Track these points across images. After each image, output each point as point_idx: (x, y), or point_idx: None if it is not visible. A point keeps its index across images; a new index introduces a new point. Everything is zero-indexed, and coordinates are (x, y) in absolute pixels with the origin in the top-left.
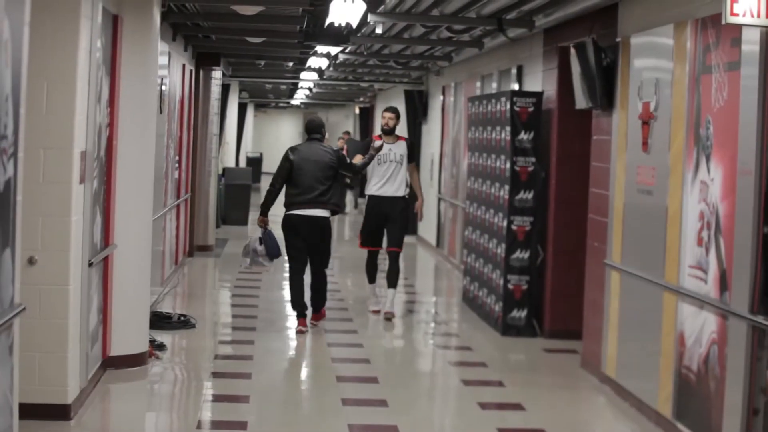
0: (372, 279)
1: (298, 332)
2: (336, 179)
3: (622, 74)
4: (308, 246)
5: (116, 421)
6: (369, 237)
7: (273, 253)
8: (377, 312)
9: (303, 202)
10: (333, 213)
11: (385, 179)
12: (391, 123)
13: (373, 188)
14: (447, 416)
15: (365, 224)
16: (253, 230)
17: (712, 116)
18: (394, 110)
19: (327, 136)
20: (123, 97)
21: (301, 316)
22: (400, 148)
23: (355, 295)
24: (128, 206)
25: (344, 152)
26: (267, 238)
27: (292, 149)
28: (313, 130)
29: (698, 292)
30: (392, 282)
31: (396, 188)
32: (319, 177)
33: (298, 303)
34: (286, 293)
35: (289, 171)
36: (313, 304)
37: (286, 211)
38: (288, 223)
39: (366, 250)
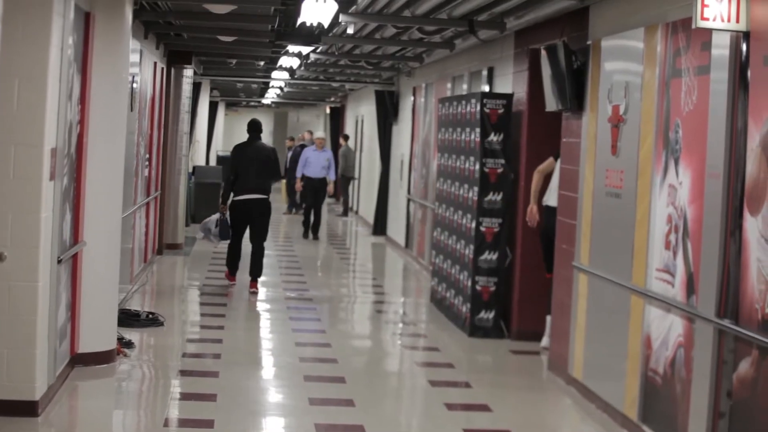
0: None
1: (231, 284)
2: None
3: (592, 77)
4: (250, 222)
5: (84, 418)
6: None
7: (224, 236)
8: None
9: (248, 189)
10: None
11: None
12: None
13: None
14: (413, 417)
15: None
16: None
17: (682, 120)
18: None
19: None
20: (94, 94)
21: (232, 273)
22: None
23: (324, 294)
24: (98, 203)
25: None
26: (222, 223)
27: (238, 147)
28: (255, 129)
29: (665, 295)
30: None
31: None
32: (261, 170)
33: (232, 262)
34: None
35: (237, 165)
36: (252, 273)
37: (234, 196)
38: (236, 205)
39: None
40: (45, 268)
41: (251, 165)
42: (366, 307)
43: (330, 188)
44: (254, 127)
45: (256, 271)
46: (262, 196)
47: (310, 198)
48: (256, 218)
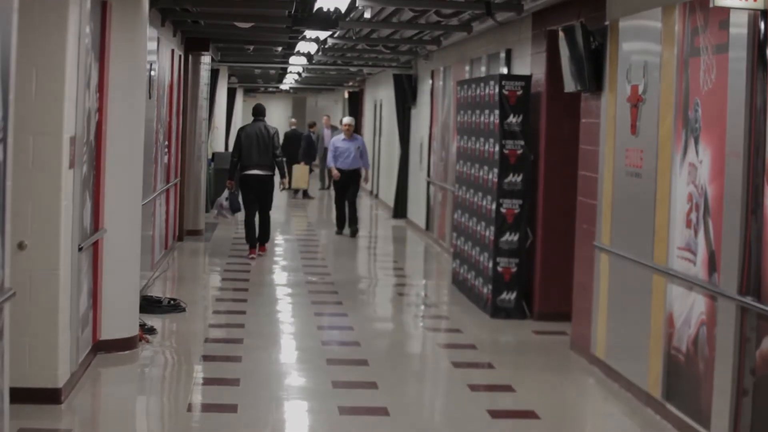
0: None
1: (250, 259)
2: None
3: (610, 57)
4: (256, 196)
5: (107, 404)
6: None
7: (235, 208)
8: None
9: (252, 165)
10: (281, 173)
11: None
12: None
13: None
14: (437, 398)
15: None
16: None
17: (701, 99)
18: None
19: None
20: (112, 82)
21: (252, 247)
22: None
23: (346, 278)
24: (118, 191)
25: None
26: (232, 197)
27: (242, 129)
28: (259, 113)
29: (687, 273)
30: None
31: None
32: (261, 147)
33: (250, 238)
34: (276, 277)
35: (240, 144)
36: (260, 239)
37: (241, 172)
38: (242, 181)
39: None
40: (66, 256)
41: (253, 144)
42: (388, 290)
43: (366, 175)
44: (258, 111)
45: (264, 236)
46: (265, 173)
47: (342, 191)
48: (260, 192)
